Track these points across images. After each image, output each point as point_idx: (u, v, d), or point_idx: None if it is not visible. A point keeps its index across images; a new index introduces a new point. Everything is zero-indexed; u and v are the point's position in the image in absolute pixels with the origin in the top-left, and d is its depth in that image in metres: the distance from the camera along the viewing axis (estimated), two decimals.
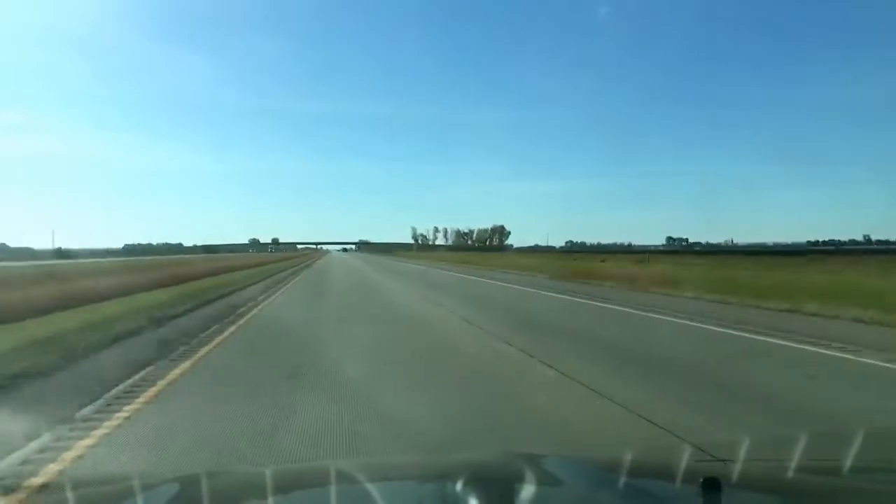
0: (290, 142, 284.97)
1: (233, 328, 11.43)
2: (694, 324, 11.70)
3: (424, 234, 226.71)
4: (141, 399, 5.88)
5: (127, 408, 5.52)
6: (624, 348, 9.16)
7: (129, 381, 6.65)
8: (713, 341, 9.88)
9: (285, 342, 9.97)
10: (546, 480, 1.72)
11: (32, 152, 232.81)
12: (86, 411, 5.43)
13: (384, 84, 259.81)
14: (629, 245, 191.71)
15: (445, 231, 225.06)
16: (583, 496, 1.71)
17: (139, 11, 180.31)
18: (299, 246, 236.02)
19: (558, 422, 5.23)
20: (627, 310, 14.36)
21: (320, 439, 4.69)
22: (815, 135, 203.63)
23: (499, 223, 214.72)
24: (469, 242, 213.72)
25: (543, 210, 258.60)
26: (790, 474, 1.82)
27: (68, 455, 4.25)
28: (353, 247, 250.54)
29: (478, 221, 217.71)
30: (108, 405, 5.67)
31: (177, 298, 16.05)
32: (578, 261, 45.83)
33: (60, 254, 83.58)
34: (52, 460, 4.14)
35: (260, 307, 15.75)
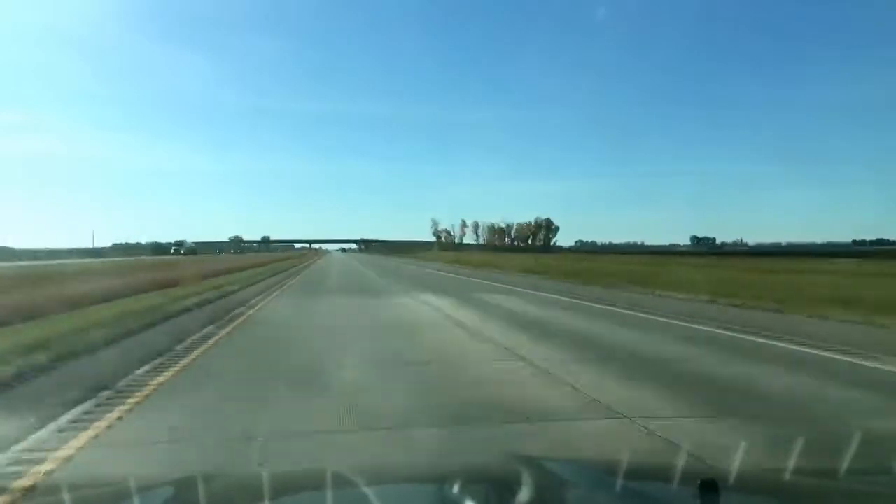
0: (290, 141, 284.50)
1: None
2: None
3: (448, 229, 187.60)
4: None
5: None
6: None
7: None
8: None
9: None
10: (544, 483, 1.72)
11: (32, 152, 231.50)
12: None
13: (384, 84, 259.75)
14: (642, 244, 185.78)
15: (476, 225, 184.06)
16: (581, 498, 1.71)
17: (139, 11, 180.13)
18: (297, 245, 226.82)
19: None
20: None
21: None
22: (815, 134, 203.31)
23: (543, 215, 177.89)
24: (506, 240, 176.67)
25: (544, 210, 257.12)
26: (787, 477, 1.82)
27: None
28: (354, 246, 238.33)
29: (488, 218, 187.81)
30: None
31: None
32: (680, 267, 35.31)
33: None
34: None
35: None
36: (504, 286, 24.57)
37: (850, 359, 8.18)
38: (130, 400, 5.95)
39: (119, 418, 5.34)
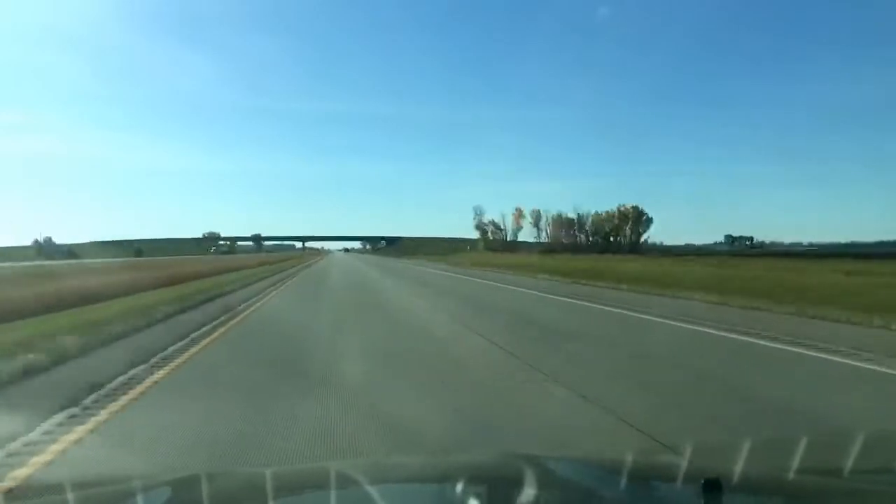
0: (291, 140, 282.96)
1: None
2: None
3: (496, 221, 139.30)
4: None
5: None
6: None
7: None
8: None
9: None
10: (547, 481, 1.72)
11: (31, 152, 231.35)
12: None
13: (386, 83, 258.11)
14: (661, 244, 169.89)
15: (538, 216, 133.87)
16: (584, 497, 1.70)
17: (139, 11, 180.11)
18: (298, 244, 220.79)
19: None
20: None
21: None
22: (816, 134, 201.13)
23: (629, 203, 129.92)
24: (579, 237, 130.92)
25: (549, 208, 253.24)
26: (791, 475, 1.82)
27: None
28: (359, 244, 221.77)
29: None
30: None
31: None
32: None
33: None
34: None
35: None
36: None
37: None
38: None
39: None
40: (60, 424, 5.02)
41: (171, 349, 8.76)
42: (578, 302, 16.91)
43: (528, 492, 1.56)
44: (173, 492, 1.81)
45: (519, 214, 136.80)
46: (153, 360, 7.85)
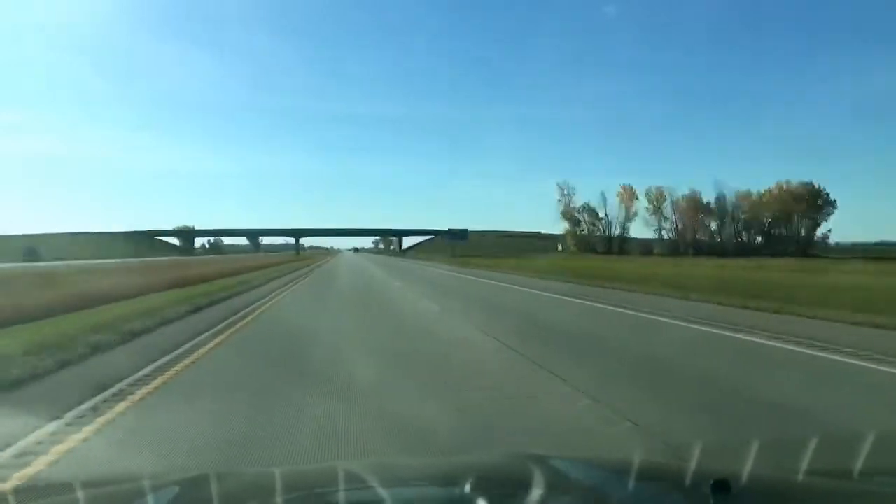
0: (299, 139, 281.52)
1: None
2: None
3: (594, 208, 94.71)
4: None
5: None
6: None
7: None
8: None
9: None
10: (554, 482, 1.72)
11: (33, 151, 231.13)
12: None
13: (396, 83, 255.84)
14: (837, 243, 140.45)
15: (660, 197, 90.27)
16: (593, 498, 1.70)
17: (145, 9, 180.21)
18: (307, 245, 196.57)
19: None
20: None
21: None
22: (838, 133, 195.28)
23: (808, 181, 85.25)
24: (722, 232, 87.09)
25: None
26: (800, 477, 1.81)
27: None
28: (371, 244, 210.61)
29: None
30: None
31: None
32: None
33: None
34: None
35: None
36: None
37: None
38: None
39: None
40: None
41: None
42: None
43: (537, 492, 1.56)
44: (182, 491, 1.82)
45: (629, 194, 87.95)
46: None
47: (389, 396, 6.12)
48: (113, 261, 53.33)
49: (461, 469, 2.05)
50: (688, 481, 1.65)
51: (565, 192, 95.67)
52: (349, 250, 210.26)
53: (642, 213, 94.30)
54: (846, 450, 2.12)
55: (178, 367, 7.55)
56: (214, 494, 1.63)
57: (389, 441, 4.55)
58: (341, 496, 1.64)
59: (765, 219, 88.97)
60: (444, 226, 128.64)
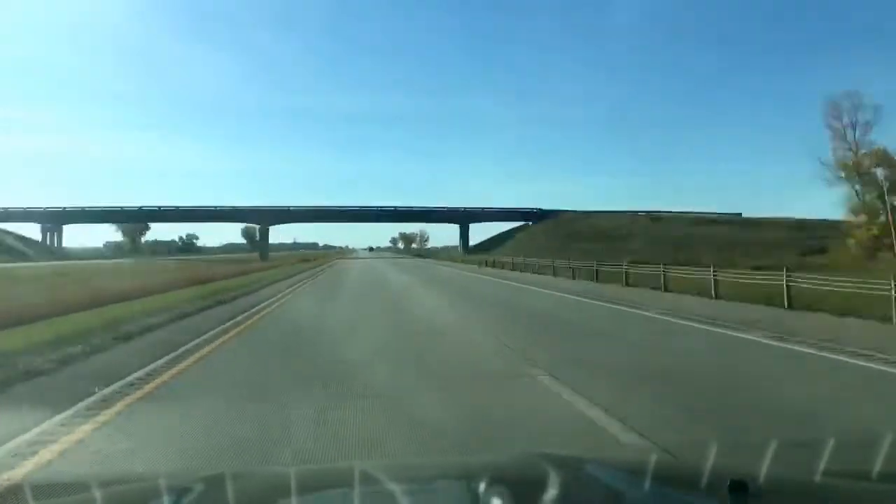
0: (313, 138, 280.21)
1: None
2: None
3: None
4: None
5: None
6: None
7: None
8: None
9: None
10: (570, 482, 1.71)
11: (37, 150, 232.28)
12: None
13: (414, 77, 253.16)
14: None
15: None
16: (608, 498, 1.69)
17: (157, 8, 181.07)
18: (322, 244, 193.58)
19: None
20: None
21: None
22: None
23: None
24: None
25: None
26: (818, 478, 1.80)
27: None
28: (380, 241, 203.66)
29: None
30: None
31: None
32: None
33: None
34: None
35: None
36: None
37: None
38: None
39: None
40: None
41: None
42: None
43: (552, 492, 1.56)
44: (198, 491, 1.83)
45: None
46: None
47: None
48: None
49: (477, 469, 2.05)
50: (704, 481, 1.64)
51: (850, 111, 46.15)
52: (364, 250, 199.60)
53: None
54: (865, 450, 2.09)
55: None
56: (230, 494, 1.64)
57: None
58: (356, 496, 1.64)
59: None
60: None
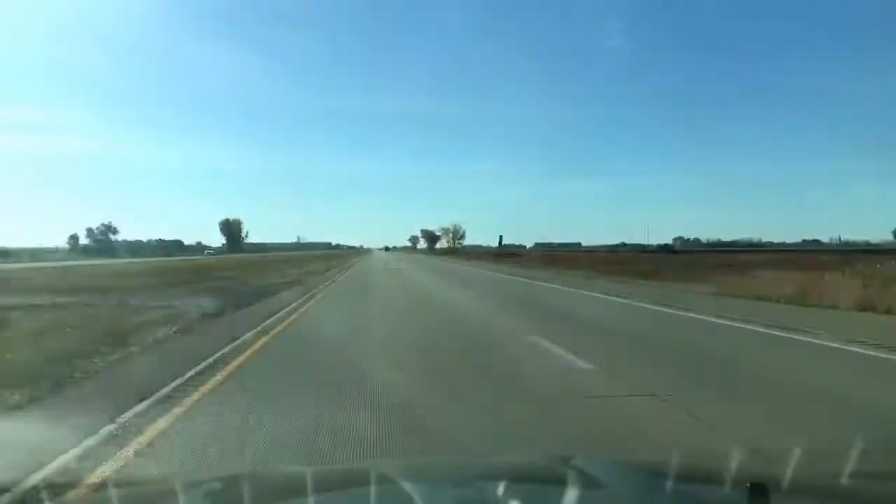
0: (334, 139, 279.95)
1: None
2: None
3: None
4: None
5: None
6: None
7: None
8: None
9: None
10: (589, 483, 1.70)
11: (52, 151, 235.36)
12: None
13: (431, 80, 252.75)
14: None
15: None
16: (628, 500, 1.67)
17: (179, 8, 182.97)
18: (334, 243, 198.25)
19: None
20: None
21: None
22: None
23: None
24: None
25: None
26: (843, 481, 1.76)
27: None
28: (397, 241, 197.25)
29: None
30: None
31: None
32: None
33: None
34: None
35: None
36: None
37: None
38: None
39: None
40: None
41: None
42: None
43: (572, 494, 1.54)
44: (214, 491, 1.83)
45: None
46: None
47: None
48: None
49: (495, 470, 2.04)
50: (725, 484, 1.62)
51: None
52: (380, 249, 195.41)
53: None
54: (892, 454, 2.05)
55: None
56: (246, 494, 1.64)
57: None
58: (373, 496, 1.63)
59: None
60: None
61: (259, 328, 11.12)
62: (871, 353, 8.46)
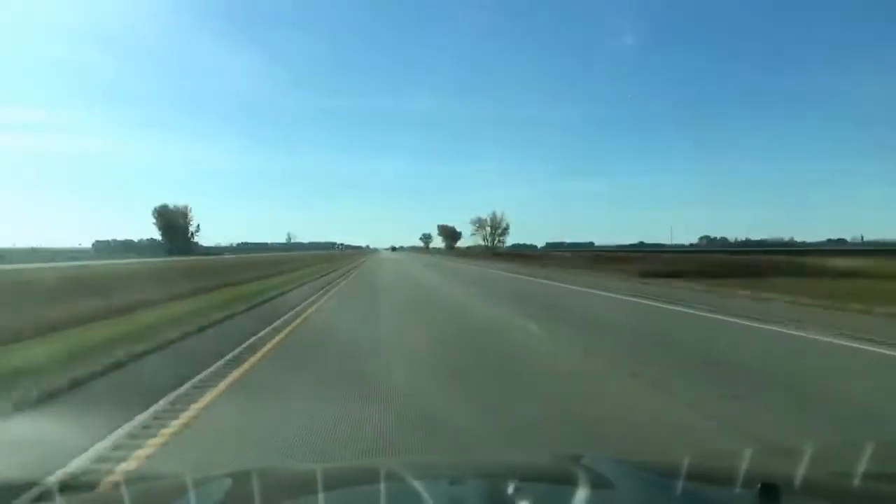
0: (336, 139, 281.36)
1: None
2: None
3: None
4: None
5: None
6: None
7: None
8: None
9: None
10: (598, 483, 1.69)
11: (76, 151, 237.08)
12: None
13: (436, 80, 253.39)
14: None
15: None
16: (637, 500, 1.66)
17: (182, 8, 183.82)
18: (337, 243, 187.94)
19: None
20: None
21: None
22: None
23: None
24: None
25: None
26: (855, 482, 1.75)
27: None
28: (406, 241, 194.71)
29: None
30: None
31: None
32: None
33: None
34: None
35: None
36: None
37: None
38: None
39: None
40: None
41: None
42: None
43: (582, 493, 1.54)
44: (224, 487, 1.84)
45: None
46: None
47: None
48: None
49: (504, 469, 2.03)
50: (736, 485, 1.60)
51: None
52: (387, 249, 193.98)
53: None
54: None
55: None
56: (256, 490, 1.64)
57: None
58: (382, 494, 1.63)
59: None
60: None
61: None
62: None
